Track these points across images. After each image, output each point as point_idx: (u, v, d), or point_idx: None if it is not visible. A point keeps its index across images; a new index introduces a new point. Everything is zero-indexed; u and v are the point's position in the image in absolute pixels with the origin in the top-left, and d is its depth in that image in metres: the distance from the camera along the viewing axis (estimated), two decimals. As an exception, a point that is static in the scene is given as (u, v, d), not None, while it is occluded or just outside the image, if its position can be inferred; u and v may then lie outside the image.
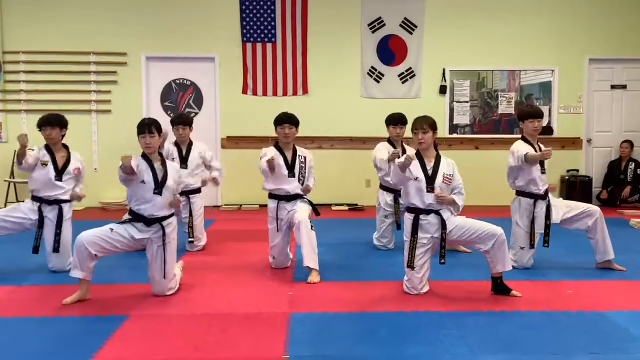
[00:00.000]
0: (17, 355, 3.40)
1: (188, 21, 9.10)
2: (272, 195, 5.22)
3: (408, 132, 5.10)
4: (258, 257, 5.66)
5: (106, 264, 4.69)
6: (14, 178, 8.77)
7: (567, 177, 9.34)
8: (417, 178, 4.39)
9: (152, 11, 9.07)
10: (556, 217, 5.17)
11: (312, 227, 4.94)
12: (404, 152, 5.33)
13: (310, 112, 8.50)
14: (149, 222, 4.36)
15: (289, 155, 5.21)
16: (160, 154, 4.53)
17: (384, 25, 9.29)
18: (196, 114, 9.12)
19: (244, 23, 9.15)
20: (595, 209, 5.18)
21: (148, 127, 4.36)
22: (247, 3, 9.13)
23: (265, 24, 9.16)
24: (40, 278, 4.96)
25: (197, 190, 6.09)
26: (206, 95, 9.31)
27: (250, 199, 9.02)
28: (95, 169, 8.87)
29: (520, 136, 5.31)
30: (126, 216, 4.57)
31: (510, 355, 3.38)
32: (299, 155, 5.24)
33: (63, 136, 5.18)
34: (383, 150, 5.90)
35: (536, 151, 5.11)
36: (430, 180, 4.40)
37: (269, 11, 9.15)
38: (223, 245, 6.34)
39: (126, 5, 9.05)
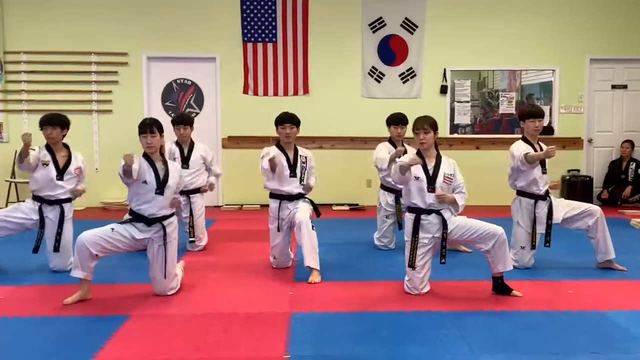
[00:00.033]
0: (18, 355, 3.40)
1: (189, 21, 9.11)
2: (273, 195, 5.22)
3: (409, 132, 5.10)
4: (259, 256, 5.66)
5: (107, 263, 4.70)
6: (14, 178, 8.78)
7: (567, 177, 9.33)
8: (418, 178, 4.40)
9: (153, 11, 9.08)
10: (557, 217, 5.17)
11: (312, 226, 4.94)
12: (405, 152, 5.32)
13: (310, 112, 8.50)
14: (150, 221, 4.36)
15: (291, 155, 5.21)
16: (162, 154, 4.53)
17: (385, 25, 9.29)
18: (197, 113, 9.12)
19: (245, 23, 9.15)
20: (595, 208, 5.18)
21: (149, 126, 4.36)
22: (248, 3, 9.13)
23: (266, 23, 9.16)
24: (40, 278, 4.96)
25: (198, 190, 6.09)
26: (207, 95, 9.31)
27: (251, 199, 9.03)
28: (96, 169, 8.87)
29: (520, 136, 5.31)
30: (126, 216, 4.57)
31: (511, 355, 3.38)
32: (300, 155, 5.24)
33: (64, 136, 5.16)
34: (384, 150, 5.90)
35: (535, 151, 5.11)
36: (431, 180, 4.40)
37: (270, 11, 9.15)
38: (224, 245, 6.34)
39: (127, 5, 9.05)
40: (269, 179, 5.19)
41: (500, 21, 9.33)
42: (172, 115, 7.96)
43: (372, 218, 6.38)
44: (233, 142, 9.24)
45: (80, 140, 7.56)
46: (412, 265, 4.43)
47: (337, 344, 3.53)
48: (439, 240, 4.44)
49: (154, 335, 3.67)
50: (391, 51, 9.31)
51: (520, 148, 5.08)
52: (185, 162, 5.99)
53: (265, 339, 3.60)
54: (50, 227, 5.05)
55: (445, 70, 9.35)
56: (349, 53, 9.28)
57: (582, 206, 5.23)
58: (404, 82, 9.36)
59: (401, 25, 9.30)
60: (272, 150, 5.17)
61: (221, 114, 9.26)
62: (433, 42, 9.30)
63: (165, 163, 4.48)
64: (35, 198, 5.08)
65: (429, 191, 4.39)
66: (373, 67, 9.32)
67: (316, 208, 5.24)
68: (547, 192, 5.19)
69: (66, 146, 5.21)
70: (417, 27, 9.30)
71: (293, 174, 5.16)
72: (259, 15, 9.14)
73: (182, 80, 9.29)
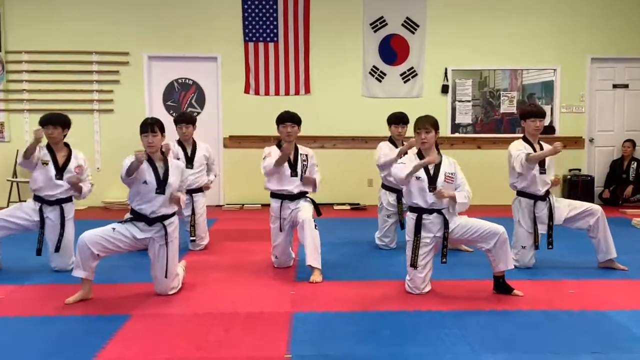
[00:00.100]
0: (19, 355, 3.41)
1: (190, 21, 9.11)
2: (274, 195, 5.22)
3: (409, 132, 5.10)
4: (260, 256, 5.67)
5: (108, 263, 4.70)
6: (16, 177, 8.78)
7: (569, 176, 9.33)
8: (419, 178, 4.40)
9: (154, 11, 9.08)
10: (559, 218, 5.17)
11: (315, 226, 4.94)
12: (405, 153, 5.32)
13: (312, 111, 8.51)
14: (151, 221, 4.36)
15: (291, 154, 5.21)
16: (162, 153, 4.53)
17: (386, 24, 9.28)
18: (198, 113, 9.11)
19: (246, 22, 9.15)
20: (596, 207, 5.17)
21: (150, 126, 4.36)
22: (249, 2, 9.13)
23: (267, 23, 9.16)
24: (42, 277, 4.96)
25: (200, 189, 6.10)
26: (208, 94, 9.32)
27: (252, 198, 9.03)
28: (98, 169, 8.87)
29: (521, 135, 5.31)
30: (127, 215, 4.57)
31: (512, 354, 3.38)
32: (301, 154, 5.23)
33: (65, 136, 5.16)
34: (385, 149, 5.90)
35: (535, 151, 5.10)
36: (432, 180, 4.40)
37: (271, 10, 9.15)
38: (225, 244, 6.35)
39: (128, 4, 9.05)
40: (270, 180, 5.19)
41: (501, 21, 9.32)
42: (174, 114, 7.96)
43: (374, 217, 6.38)
44: (234, 141, 9.25)
45: (81, 140, 7.55)
46: (414, 265, 4.43)
47: (338, 344, 3.54)
48: (441, 240, 4.44)
49: (155, 335, 3.68)
50: (392, 51, 9.31)
51: (520, 148, 5.08)
52: (189, 162, 5.99)
53: (266, 338, 3.60)
54: (51, 228, 5.06)
55: (446, 69, 9.35)
56: (350, 52, 9.28)
57: (583, 206, 5.23)
58: (405, 82, 9.36)
59: (402, 25, 9.29)
60: (273, 151, 5.17)
61: (222, 113, 9.26)
62: (434, 41, 9.30)
63: (165, 162, 4.48)
64: (36, 198, 5.08)
65: (430, 191, 4.39)
66: (374, 66, 9.32)
67: (317, 207, 5.24)
68: (547, 192, 5.19)
69: (67, 145, 5.21)
70: (418, 26, 9.30)
71: (294, 173, 5.15)
72: (260, 14, 9.15)
73: (183, 80, 9.29)
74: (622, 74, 9.60)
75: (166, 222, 4.41)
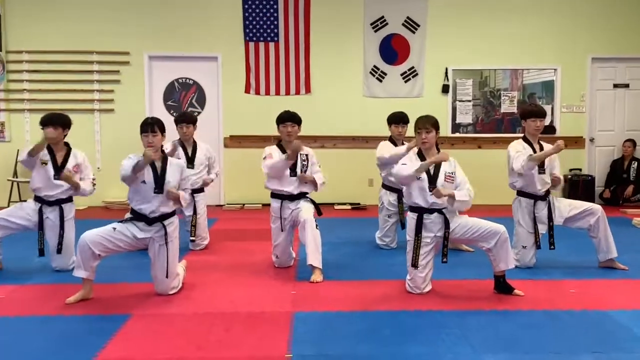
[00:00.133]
0: (20, 354, 3.40)
1: (190, 20, 9.11)
2: (274, 195, 5.22)
3: (410, 131, 5.10)
4: (261, 256, 5.67)
5: (109, 263, 4.69)
6: (17, 177, 8.78)
7: (569, 176, 9.33)
8: (419, 177, 4.39)
9: (155, 10, 9.08)
10: (560, 218, 5.17)
11: (316, 225, 4.94)
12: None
13: (312, 111, 8.51)
14: (150, 221, 4.36)
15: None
16: (162, 152, 4.52)
17: (387, 24, 9.29)
18: (199, 113, 9.11)
19: (247, 22, 9.15)
20: (597, 207, 5.17)
21: (151, 126, 4.36)
22: (250, 2, 9.13)
23: (268, 23, 9.16)
24: (43, 277, 4.97)
25: (201, 189, 6.10)
26: (209, 94, 9.32)
27: (252, 198, 9.03)
28: (98, 168, 8.87)
29: (522, 135, 5.30)
30: (127, 215, 4.57)
31: (513, 354, 3.38)
32: (301, 154, 5.22)
33: (65, 136, 5.15)
34: (385, 149, 5.89)
35: (535, 151, 5.10)
36: (433, 180, 4.40)
37: (272, 10, 9.15)
38: (225, 244, 6.35)
39: (129, 4, 9.06)
40: (270, 179, 5.19)
41: (502, 21, 9.33)
42: (174, 114, 7.96)
43: (374, 217, 6.38)
44: (235, 141, 9.25)
45: (82, 140, 7.54)
46: (414, 265, 4.43)
47: (339, 343, 3.53)
48: (441, 240, 4.44)
49: (155, 335, 3.68)
50: (393, 50, 9.31)
51: (519, 149, 5.07)
52: (190, 162, 5.99)
53: (267, 338, 3.60)
54: (52, 228, 5.05)
55: (447, 69, 9.35)
56: (350, 52, 9.29)
57: (583, 205, 5.23)
58: (405, 82, 9.36)
59: (403, 25, 9.30)
60: (274, 151, 5.17)
61: (223, 113, 9.27)
62: (435, 41, 9.30)
63: (164, 161, 4.47)
64: (36, 199, 5.08)
65: (429, 190, 4.38)
66: (375, 66, 9.32)
67: (318, 207, 5.24)
68: (547, 192, 5.19)
69: (67, 145, 5.19)
70: (418, 26, 9.30)
71: (294, 173, 5.15)
72: (260, 14, 9.15)
73: (184, 80, 9.30)
74: (623, 74, 9.60)
75: (166, 222, 4.40)
